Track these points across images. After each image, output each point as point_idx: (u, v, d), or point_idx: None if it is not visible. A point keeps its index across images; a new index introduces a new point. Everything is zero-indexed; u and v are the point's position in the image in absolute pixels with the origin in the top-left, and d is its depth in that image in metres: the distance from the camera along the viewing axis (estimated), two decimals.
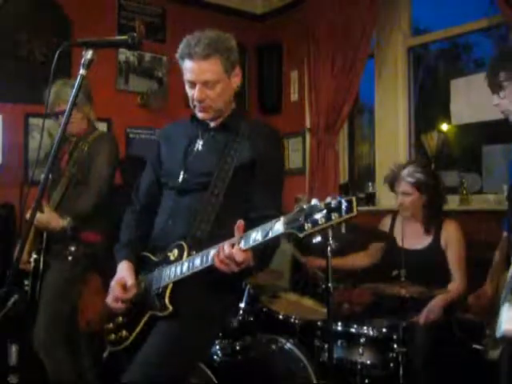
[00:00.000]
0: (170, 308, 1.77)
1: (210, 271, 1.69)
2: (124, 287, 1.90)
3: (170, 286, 1.80)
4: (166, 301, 1.79)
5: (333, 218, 1.35)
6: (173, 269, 1.81)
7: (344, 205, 1.34)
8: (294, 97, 4.66)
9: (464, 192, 3.51)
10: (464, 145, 4.13)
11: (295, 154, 4.60)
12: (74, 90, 1.60)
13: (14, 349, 2.96)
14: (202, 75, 1.84)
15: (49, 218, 2.66)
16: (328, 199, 1.38)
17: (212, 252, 1.67)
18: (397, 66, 4.05)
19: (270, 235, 1.50)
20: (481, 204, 3.44)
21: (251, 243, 1.57)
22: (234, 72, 1.93)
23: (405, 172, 2.91)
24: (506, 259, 2.19)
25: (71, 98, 1.60)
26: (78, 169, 2.77)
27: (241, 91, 4.84)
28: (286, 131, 4.55)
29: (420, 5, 4.11)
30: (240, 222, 1.61)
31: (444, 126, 3.93)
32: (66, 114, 1.60)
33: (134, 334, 1.87)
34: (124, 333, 1.90)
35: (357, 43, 3.96)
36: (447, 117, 3.77)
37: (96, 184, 2.75)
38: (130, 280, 1.90)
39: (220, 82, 1.88)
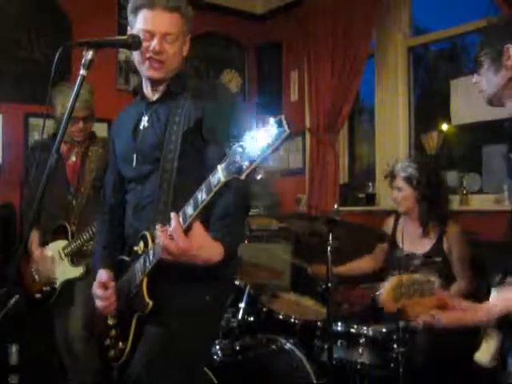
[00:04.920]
0: (150, 303, 1.66)
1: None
2: (103, 285, 1.83)
3: (145, 279, 1.69)
4: (145, 296, 1.68)
5: (266, 145, 1.23)
6: (141, 261, 1.70)
7: (274, 127, 1.22)
8: (294, 97, 4.66)
9: (464, 192, 3.51)
10: (464, 145, 4.13)
11: (295, 153, 4.60)
12: (74, 91, 1.59)
13: (14, 349, 2.97)
14: (164, 26, 1.72)
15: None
16: (260, 128, 1.26)
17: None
18: (397, 66, 4.05)
19: (214, 189, 1.39)
20: (481, 204, 3.44)
21: (199, 205, 1.45)
22: (186, 39, 1.83)
23: (398, 166, 2.95)
24: None
25: (71, 100, 1.59)
26: (98, 173, 2.78)
27: (241, 91, 4.87)
28: None
29: (420, 5, 4.11)
30: (174, 216, 1.50)
31: (444, 126, 3.93)
32: (65, 116, 1.59)
33: (129, 344, 1.77)
34: (120, 345, 1.81)
35: (357, 43, 3.96)
36: (447, 117, 3.77)
37: None
38: (104, 276, 1.83)
39: (178, 40, 1.77)
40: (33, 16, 3.78)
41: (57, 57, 1.58)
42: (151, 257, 1.67)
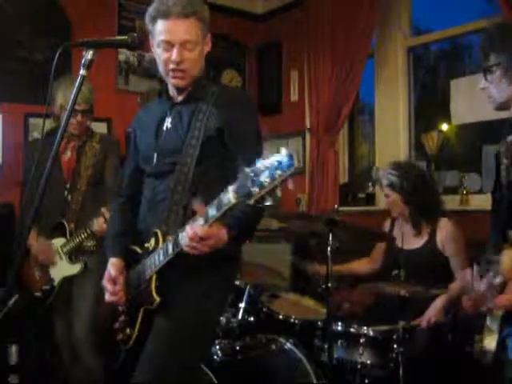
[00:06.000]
0: (158, 299, 1.76)
1: (190, 255, 1.65)
2: (112, 280, 1.89)
3: (154, 276, 1.78)
4: (153, 292, 1.77)
5: (276, 176, 1.29)
6: (152, 259, 1.78)
7: (285, 160, 1.29)
8: (294, 97, 4.66)
9: (464, 192, 3.51)
10: (464, 145, 4.13)
11: (295, 154, 4.59)
12: (74, 90, 1.59)
13: (14, 349, 2.96)
14: (181, 34, 1.75)
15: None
16: (271, 157, 1.32)
17: (179, 236, 1.65)
18: (397, 66, 4.05)
19: (224, 208, 1.47)
20: (481, 204, 3.44)
21: (209, 220, 1.54)
22: (206, 39, 1.85)
23: (380, 174, 2.99)
24: None
25: (72, 98, 1.60)
26: (94, 170, 2.80)
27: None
28: (286, 131, 4.55)
29: (420, 5, 4.11)
30: (199, 206, 1.56)
31: (444, 126, 3.93)
32: (67, 112, 1.59)
33: (135, 332, 1.86)
34: (128, 330, 1.90)
35: (357, 43, 3.96)
36: (447, 117, 3.77)
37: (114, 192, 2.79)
38: (113, 272, 1.89)
39: (198, 44, 1.80)
40: (33, 16, 3.78)
41: (57, 57, 1.58)
42: (161, 256, 1.74)
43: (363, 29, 3.93)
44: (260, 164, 1.32)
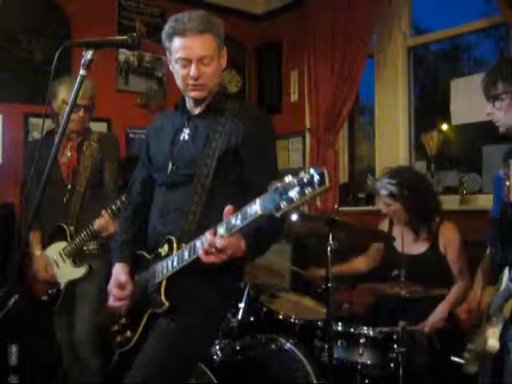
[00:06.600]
0: (166, 304, 1.77)
1: (202, 262, 1.66)
2: (120, 286, 1.90)
3: (164, 281, 1.80)
4: (162, 297, 1.78)
5: (306, 192, 1.33)
6: (164, 264, 1.80)
7: (316, 178, 1.31)
8: (294, 97, 4.66)
9: (464, 192, 3.51)
10: (464, 145, 4.13)
11: (295, 154, 4.60)
12: (74, 90, 1.59)
13: (14, 349, 2.96)
14: (198, 51, 1.79)
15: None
16: (301, 174, 1.35)
17: (198, 243, 1.66)
18: (397, 66, 4.05)
19: (249, 218, 1.48)
20: (481, 204, 3.44)
21: (231, 229, 1.55)
22: (222, 52, 1.90)
23: (378, 185, 2.96)
24: (489, 275, 2.16)
25: (72, 97, 1.60)
26: (93, 169, 2.78)
27: (241, 91, 4.87)
28: (286, 131, 4.55)
29: (420, 5, 4.11)
30: (228, 208, 1.57)
31: (444, 126, 3.93)
32: (67, 112, 1.60)
33: (137, 335, 1.87)
34: (128, 333, 1.91)
35: (357, 43, 3.96)
36: (447, 117, 3.77)
37: (113, 193, 2.78)
38: (123, 277, 1.90)
39: (214, 59, 1.84)
40: (33, 16, 3.78)
41: (57, 57, 1.59)
42: (175, 262, 1.75)
43: (363, 29, 3.93)
44: (290, 179, 1.36)
